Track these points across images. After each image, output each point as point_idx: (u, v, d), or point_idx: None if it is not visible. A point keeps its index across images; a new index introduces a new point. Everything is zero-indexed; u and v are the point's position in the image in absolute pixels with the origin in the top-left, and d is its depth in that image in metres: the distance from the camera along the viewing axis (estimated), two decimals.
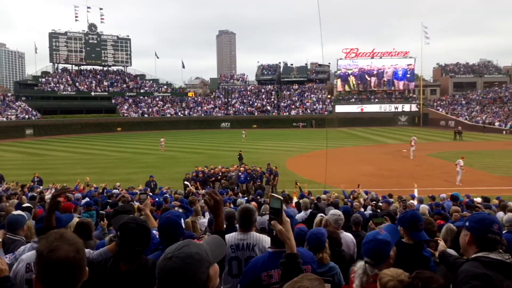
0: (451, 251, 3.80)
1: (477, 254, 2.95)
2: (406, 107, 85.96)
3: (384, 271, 2.90)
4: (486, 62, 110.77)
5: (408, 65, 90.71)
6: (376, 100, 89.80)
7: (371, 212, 11.33)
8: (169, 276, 1.88)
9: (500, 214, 9.91)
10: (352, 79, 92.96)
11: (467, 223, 3.10)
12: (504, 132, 63.40)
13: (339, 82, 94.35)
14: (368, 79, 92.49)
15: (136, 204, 6.75)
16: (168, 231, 4.03)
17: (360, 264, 3.39)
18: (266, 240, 4.38)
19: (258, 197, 14.59)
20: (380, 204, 12.92)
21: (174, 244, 2.03)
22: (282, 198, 2.86)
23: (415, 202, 12.87)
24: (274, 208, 2.71)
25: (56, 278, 1.92)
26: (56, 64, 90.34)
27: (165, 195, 15.12)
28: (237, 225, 5.00)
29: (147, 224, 3.24)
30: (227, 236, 4.46)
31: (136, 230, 3.09)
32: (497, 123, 68.30)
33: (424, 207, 10.13)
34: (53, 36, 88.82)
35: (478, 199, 14.14)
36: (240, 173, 24.37)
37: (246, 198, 16.51)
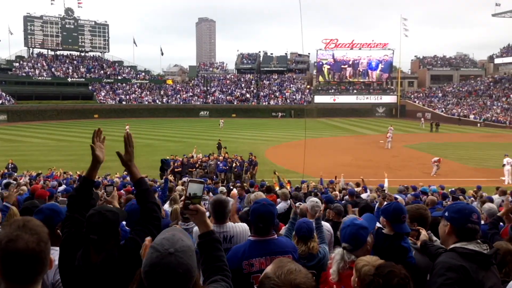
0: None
1: (455, 245, 2.96)
2: (384, 99, 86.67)
3: (360, 257, 2.93)
4: (463, 55, 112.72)
5: (384, 55, 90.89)
6: (355, 91, 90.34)
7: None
8: (175, 272, 1.80)
9: (476, 204, 10.16)
10: (325, 68, 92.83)
11: (446, 214, 3.11)
12: (478, 124, 64.64)
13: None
14: (344, 69, 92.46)
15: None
16: (134, 218, 3.98)
17: (338, 250, 3.42)
18: (243, 230, 4.40)
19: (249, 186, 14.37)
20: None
21: (162, 236, 1.93)
22: (203, 181, 2.82)
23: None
24: (195, 193, 2.65)
25: (14, 269, 1.84)
26: (31, 49, 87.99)
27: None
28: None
29: (109, 213, 3.01)
30: None
31: (89, 217, 2.94)
32: (472, 116, 69.63)
33: (400, 199, 10.26)
34: (28, 20, 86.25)
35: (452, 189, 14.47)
36: (219, 162, 24.34)
37: (228, 185, 16.49)
